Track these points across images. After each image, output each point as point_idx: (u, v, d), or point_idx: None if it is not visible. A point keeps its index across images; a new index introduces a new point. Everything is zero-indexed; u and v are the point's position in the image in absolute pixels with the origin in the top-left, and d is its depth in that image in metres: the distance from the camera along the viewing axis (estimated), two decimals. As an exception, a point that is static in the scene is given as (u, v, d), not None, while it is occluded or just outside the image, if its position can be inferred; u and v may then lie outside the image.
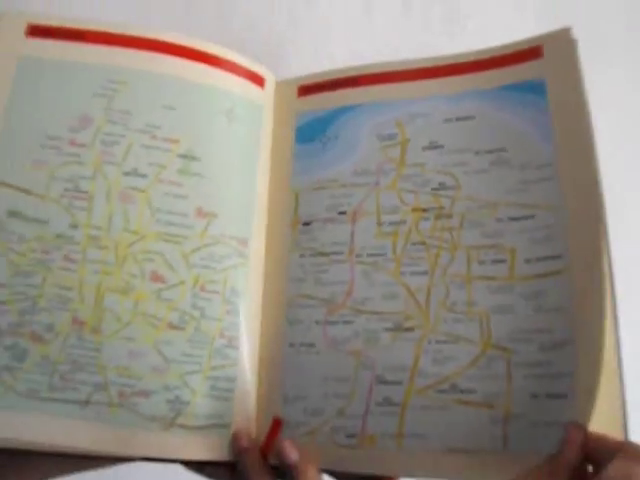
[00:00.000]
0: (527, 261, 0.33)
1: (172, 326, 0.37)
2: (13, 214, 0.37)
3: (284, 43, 0.43)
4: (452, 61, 0.38)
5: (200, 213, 0.38)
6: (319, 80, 0.41)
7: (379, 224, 0.38)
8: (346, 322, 0.37)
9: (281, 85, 0.42)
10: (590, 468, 0.30)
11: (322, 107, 0.41)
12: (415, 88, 0.39)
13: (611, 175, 0.35)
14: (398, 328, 0.36)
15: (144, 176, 0.38)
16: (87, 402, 0.36)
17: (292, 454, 0.36)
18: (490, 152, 0.36)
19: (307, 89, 0.42)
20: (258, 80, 0.42)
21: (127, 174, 0.38)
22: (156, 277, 0.37)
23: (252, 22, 0.43)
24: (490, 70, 0.37)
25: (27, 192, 0.37)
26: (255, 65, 0.42)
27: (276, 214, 0.40)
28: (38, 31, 0.40)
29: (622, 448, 0.29)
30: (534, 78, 0.35)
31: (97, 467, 0.41)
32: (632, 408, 0.30)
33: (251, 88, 0.41)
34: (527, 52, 0.36)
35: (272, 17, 0.43)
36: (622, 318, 0.29)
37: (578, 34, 0.34)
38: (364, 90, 0.40)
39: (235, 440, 0.37)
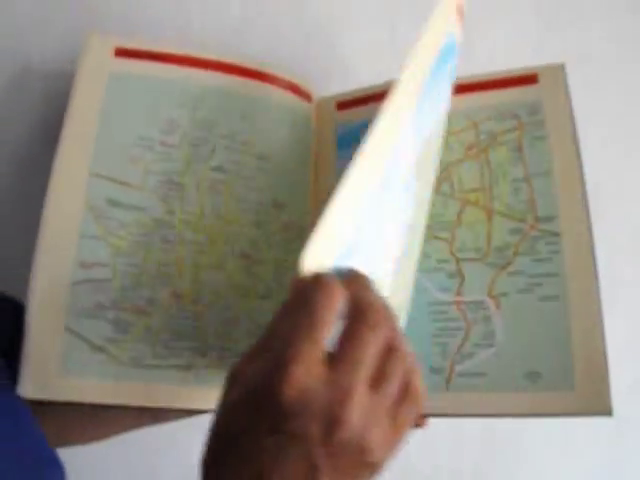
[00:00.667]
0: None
1: (260, 296, 0.43)
2: (112, 203, 0.42)
3: (321, 65, 0.51)
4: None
5: (275, 204, 0.45)
6: (354, 96, 0.50)
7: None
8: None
9: (322, 100, 0.51)
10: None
11: (358, 118, 0.49)
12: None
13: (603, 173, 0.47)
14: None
15: (227, 172, 0.44)
16: (189, 366, 0.41)
17: None
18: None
19: (344, 104, 0.50)
20: (307, 97, 0.50)
21: (213, 169, 0.44)
22: (244, 255, 0.43)
23: (294, 48, 0.51)
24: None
25: (125, 184, 0.42)
26: (306, 84, 0.50)
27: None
28: (124, 52, 0.45)
29: None
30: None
31: (174, 419, 0.45)
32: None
33: (303, 103, 0.49)
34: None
35: (312, 44, 0.51)
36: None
37: (574, 61, 0.46)
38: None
39: None
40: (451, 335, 0.42)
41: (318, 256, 0.28)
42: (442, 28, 0.40)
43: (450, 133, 0.47)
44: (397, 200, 0.36)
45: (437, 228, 0.45)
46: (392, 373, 0.28)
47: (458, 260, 0.44)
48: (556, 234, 0.42)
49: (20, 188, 0.49)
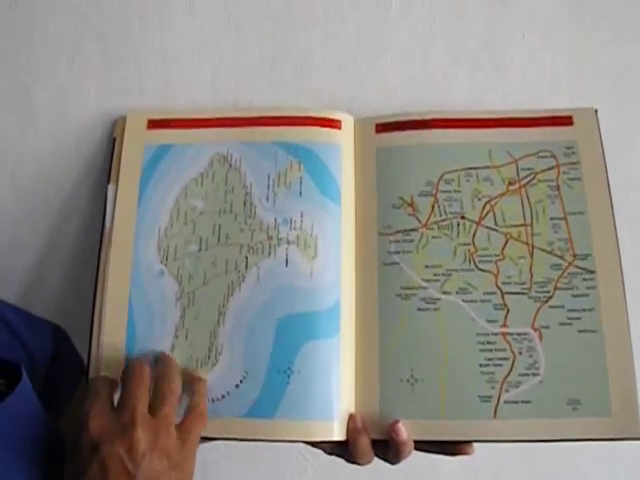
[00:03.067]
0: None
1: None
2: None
3: (353, 94, 0.51)
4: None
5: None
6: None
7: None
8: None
9: (360, 122, 0.50)
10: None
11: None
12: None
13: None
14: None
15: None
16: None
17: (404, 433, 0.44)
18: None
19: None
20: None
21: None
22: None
23: (327, 74, 0.51)
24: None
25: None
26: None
27: (365, 222, 0.48)
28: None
29: None
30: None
31: None
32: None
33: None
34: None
35: (346, 70, 0.51)
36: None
37: (607, 75, 0.49)
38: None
39: (351, 420, 0.44)
40: (497, 364, 0.45)
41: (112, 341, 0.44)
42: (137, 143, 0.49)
43: (492, 167, 0.49)
44: (156, 285, 0.46)
45: (482, 261, 0.47)
46: (163, 401, 0.40)
47: (503, 293, 0.46)
48: (591, 271, 0.46)
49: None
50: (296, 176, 0.48)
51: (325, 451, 0.46)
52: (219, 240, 0.47)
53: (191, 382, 0.44)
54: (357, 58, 0.51)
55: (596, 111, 0.50)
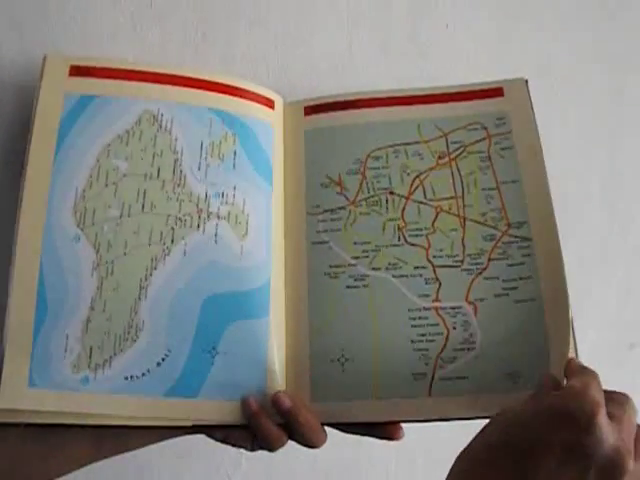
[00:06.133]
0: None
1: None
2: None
3: (280, 78, 0.51)
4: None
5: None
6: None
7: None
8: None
9: (289, 106, 0.50)
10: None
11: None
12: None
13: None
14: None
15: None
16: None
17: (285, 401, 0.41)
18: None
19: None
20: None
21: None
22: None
23: (252, 61, 0.51)
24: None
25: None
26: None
27: (294, 203, 0.47)
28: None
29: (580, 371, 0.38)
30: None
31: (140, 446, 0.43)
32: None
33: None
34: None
35: (270, 57, 0.52)
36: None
37: (528, 64, 0.48)
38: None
39: (244, 405, 0.41)
40: (430, 340, 0.42)
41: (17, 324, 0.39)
42: (56, 91, 0.44)
43: (421, 142, 0.48)
44: (71, 251, 0.42)
45: (412, 235, 0.45)
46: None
47: (434, 267, 0.44)
48: (527, 239, 0.44)
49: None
50: (230, 148, 0.46)
51: (247, 449, 0.43)
52: (143, 207, 0.43)
53: None
54: (282, 46, 0.51)
55: (526, 81, 0.49)
